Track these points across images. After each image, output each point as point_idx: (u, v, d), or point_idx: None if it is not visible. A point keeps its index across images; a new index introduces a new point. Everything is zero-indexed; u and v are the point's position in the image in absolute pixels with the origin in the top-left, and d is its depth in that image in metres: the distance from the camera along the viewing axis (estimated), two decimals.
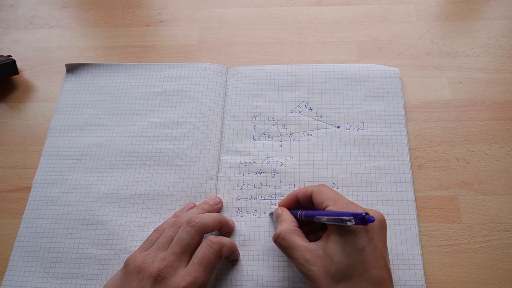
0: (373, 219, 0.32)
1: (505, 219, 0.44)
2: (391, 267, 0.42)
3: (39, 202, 0.48)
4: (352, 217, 0.33)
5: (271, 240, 0.44)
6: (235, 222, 0.45)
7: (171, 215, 0.46)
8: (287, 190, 0.46)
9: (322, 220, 0.36)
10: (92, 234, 0.46)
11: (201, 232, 0.39)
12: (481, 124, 0.49)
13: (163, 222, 0.44)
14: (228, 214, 0.46)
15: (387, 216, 0.44)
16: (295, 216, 0.40)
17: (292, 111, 0.51)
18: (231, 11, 0.60)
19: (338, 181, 0.46)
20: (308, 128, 0.49)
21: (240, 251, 0.44)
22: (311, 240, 0.38)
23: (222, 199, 0.46)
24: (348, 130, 0.49)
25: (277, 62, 0.55)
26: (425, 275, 0.42)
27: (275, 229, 0.41)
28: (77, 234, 0.46)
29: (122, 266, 0.39)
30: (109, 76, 0.55)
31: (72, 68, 0.56)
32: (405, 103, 0.51)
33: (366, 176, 0.46)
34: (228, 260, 0.43)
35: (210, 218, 0.41)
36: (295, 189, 0.46)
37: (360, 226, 0.34)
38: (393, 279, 0.41)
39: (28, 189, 0.49)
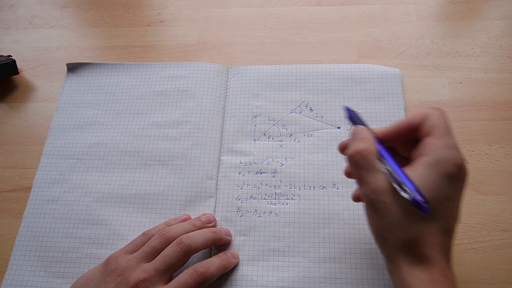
0: (428, 212, 0.30)
1: (505, 219, 0.44)
2: None
3: (39, 201, 0.48)
4: (410, 194, 0.30)
5: (271, 240, 0.44)
6: (235, 222, 0.45)
7: (171, 215, 0.46)
8: (287, 190, 0.46)
9: (385, 168, 0.32)
10: (92, 233, 0.46)
11: (189, 254, 0.40)
12: (481, 124, 0.49)
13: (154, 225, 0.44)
14: (228, 214, 0.46)
15: None
16: None
17: (293, 111, 0.51)
18: (231, 11, 0.60)
19: (338, 182, 0.46)
20: (309, 129, 0.49)
21: (240, 251, 0.44)
22: None
23: (216, 218, 0.46)
24: (348, 131, 0.49)
25: (277, 62, 0.55)
26: None
27: (350, 145, 0.35)
28: (78, 234, 0.46)
29: None
30: (110, 75, 0.55)
31: (73, 67, 0.56)
32: (405, 103, 0.51)
33: None
34: None
35: (201, 239, 0.41)
36: (295, 189, 0.46)
37: (456, 171, 0.31)
38: None
39: (28, 189, 0.49)
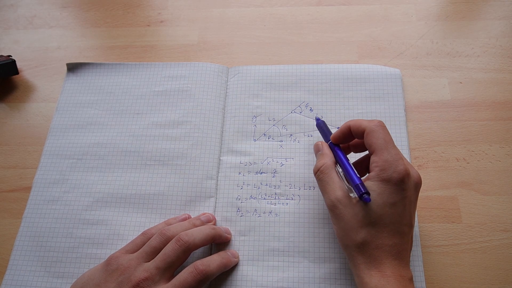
0: (369, 200, 0.35)
1: (505, 219, 0.44)
2: None
3: (39, 201, 0.48)
4: (354, 192, 0.36)
5: (271, 240, 0.44)
6: (235, 222, 0.45)
7: (171, 215, 0.46)
8: (287, 190, 0.46)
9: (339, 172, 0.39)
10: (92, 233, 0.46)
11: (189, 251, 0.40)
12: (481, 124, 0.49)
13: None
14: (228, 214, 0.46)
15: None
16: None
17: (293, 111, 0.51)
18: (231, 11, 0.60)
19: None
20: (309, 129, 0.49)
21: (240, 251, 0.44)
22: None
23: (216, 217, 0.46)
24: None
25: (277, 62, 0.55)
26: (425, 276, 0.42)
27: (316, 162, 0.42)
28: (78, 234, 0.46)
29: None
30: (110, 75, 0.55)
31: (73, 67, 0.56)
32: (405, 103, 0.51)
33: None
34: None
35: (200, 235, 0.41)
36: (295, 189, 0.46)
37: (398, 181, 0.36)
38: None
39: (28, 189, 0.49)
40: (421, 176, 0.46)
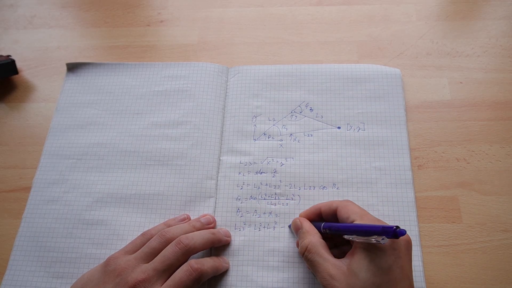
0: (404, 231, 0.32)
1: (505, 219, 0.44)
2: None
3: (39, 201, 0.48)
4: (384, 236, 0.32)
5: (271, 240, 0.44)
6: (235, 223, 0.45)
7: (171, 216, 0.46)
8: (287, 190, 0.46)
9: (351, 238, 0.35)
10: (92, 234, 0.46)
11: (188, 254, 0.40)
12: (481, 124, 0.49)
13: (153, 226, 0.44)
14: (228, 214, 0.46)
15: (388, 217, 0.44)
16: (317, 228, 0.40)
17: (293, 111, 0.51)
18: (231, 11, 0.60)
19: (338, 182, 0.46)
20: (309, 129, 0.49)
21: (240, 252, 0.44)
22: (334, 255, 0.37)
23: (216, 218, 0.45)
24: (348, 131, 0.49)
25: (277, 62, 0.55)
26: (425, 276, 0.42)
27: (297, 241, 0.41)
28: (77, 234, 0.46)
29: None
30: (110, 75, 0.55)
31: (73, 67, 0.56)
32: (405, 103, 0.51)
33: (367, 177, 0.46)
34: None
35: (200, 240, 0.41)
36: (295, 189, 0.46)
37: (386, 244, 0.33)
38: None
39: (28, 189, 0.49)
40: (421, 176, 0.47)
